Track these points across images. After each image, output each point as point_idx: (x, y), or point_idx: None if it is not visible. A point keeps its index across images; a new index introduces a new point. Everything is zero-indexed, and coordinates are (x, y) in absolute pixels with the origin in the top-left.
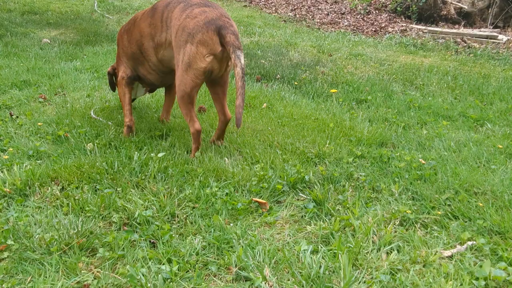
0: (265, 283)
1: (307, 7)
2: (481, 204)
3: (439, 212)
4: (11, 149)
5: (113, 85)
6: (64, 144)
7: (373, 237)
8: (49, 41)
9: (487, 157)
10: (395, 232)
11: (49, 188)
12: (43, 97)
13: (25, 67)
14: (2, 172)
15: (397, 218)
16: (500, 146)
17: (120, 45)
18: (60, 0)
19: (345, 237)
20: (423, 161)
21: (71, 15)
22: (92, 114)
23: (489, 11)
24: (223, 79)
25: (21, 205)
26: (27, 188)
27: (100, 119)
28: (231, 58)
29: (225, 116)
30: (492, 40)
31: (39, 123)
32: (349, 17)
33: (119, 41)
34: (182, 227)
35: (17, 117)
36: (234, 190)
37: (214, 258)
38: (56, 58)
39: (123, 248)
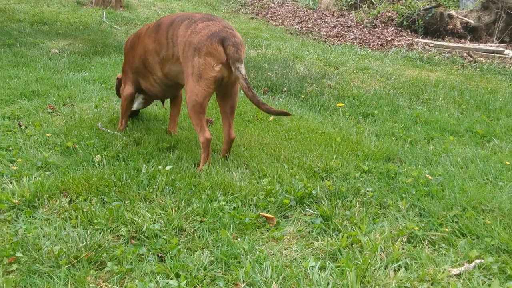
0: None
1: (313, 20)
2: (489, 222)
3: (447, 229)
4: (20, 160)
5: (119, 91)
6: (72, 155)
7: (380, 254)
8: (57, 52)
9: (494, 173)
10: (403, 249)
11: (58, 200)
12: (51, 107)
13: (34, 77)
14: (11, 183)
15: (404, 235)
16: (508, 163)
17: (126, 58)
18: (69, 11)
19: (352, 253)
20: (430, 177)
21: (79, 26)
22: (100, 126)
23: (496, 26)
24: (234, 90)
25: (30, 217)
26: (36, 199)
27: (108, 130)
28: (232, 70)
29: (229, 136)
30: (498, 55)
31: (47, 134)
32: (355, 31)
33: (126, 55)
34: (189, 241)
35: (26, 127)
36: (242, 204)
37: (222, 273)
38: (65, 68)
39: (131, 262)
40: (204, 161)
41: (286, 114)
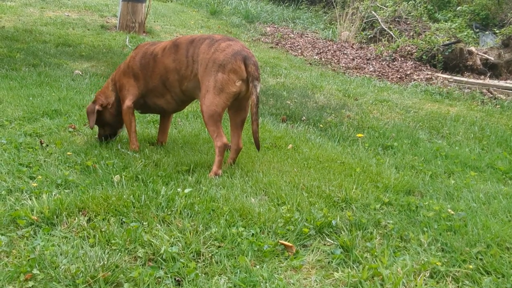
0: None
1: (332, 52)
2: None
3: (471, 266)
4: (40, 177)
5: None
6: (92, 174)
7: None
8: (80, 73)
9: None
10: (426, 284)
11: (76, 218)
12: (73, 127)
13: (56, 97)
14: (30, 199)
15: (427, 270)
16: None
17: (132, 79)
18: (94, 35)
19: (374, 286)
20: (452, 212)
21: (103, 49)
22: (119, 147)
23: None
24: (247, 104)
25: (48, 234)
26: (55, 217)
27: (129, 152)
28: (249, 86)
29: (238, 146)
30: None
31: (68, 153)
32: (374, 63)
33: (134, 75)
34: (207, 266)
35: (47, 145)
36: (260, 231)
37: None
38: (87, 89)
39: (149, 285)
40: (218, 164)
41: (257, 148)
